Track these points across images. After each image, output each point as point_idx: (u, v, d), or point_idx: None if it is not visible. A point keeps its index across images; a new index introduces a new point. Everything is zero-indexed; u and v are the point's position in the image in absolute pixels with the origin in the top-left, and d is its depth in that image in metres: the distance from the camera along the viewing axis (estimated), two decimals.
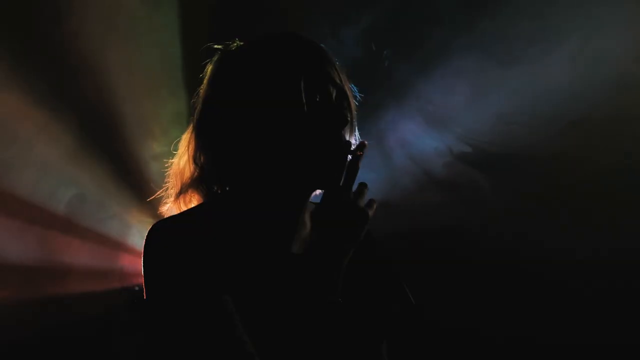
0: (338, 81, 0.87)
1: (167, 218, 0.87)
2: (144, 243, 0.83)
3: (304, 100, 0.83)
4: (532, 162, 2.56)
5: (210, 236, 0.84)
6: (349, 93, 0.90)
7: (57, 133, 2.44)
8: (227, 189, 0.91)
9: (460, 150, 2.63)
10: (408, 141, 2.71)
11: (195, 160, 0.90)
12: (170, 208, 0.96)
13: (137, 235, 2.65)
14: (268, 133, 0.85)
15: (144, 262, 0.83)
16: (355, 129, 0.95)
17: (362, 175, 0.89)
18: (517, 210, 2.57)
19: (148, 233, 0.84)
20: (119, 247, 2.65)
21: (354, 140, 0.96)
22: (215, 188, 0.91)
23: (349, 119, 0.87)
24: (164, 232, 0.82)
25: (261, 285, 0.86)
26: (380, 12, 2.59)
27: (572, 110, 2.40)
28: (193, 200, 0.93)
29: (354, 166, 0.87)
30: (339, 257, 0.96)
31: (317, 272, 0.91)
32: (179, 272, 0.78)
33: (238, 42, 0.94)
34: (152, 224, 0.85)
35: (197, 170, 0.90)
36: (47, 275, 2.46)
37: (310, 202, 1.00)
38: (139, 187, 2.48)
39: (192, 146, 0.91)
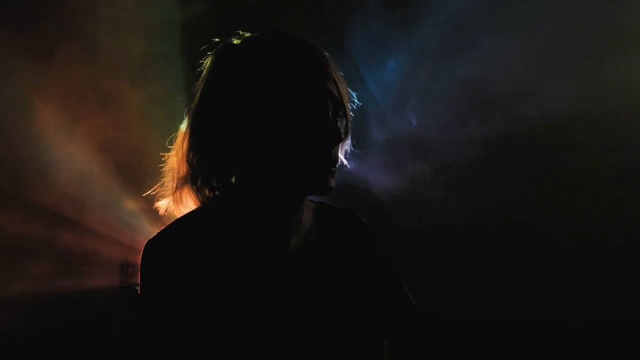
0: (337, 95, 0.86)
1: (160, 236, 0.87)
2: (139, 262, 0.85)
3: (300, 115, 0.83)
4: (547, 152, 2.55)
5: (205, 252, 0.85)
6: (346, 105, 0.89)
7: (60, 132, 2.45)
8: (217, 194, 0.90)
9: (466, 144, 2.62)
10: (409, 138, 2.70)
11: (187, 158, 0.89)
12: (167, 204, 0.96)
13: (137, 231, 2.64)
14: (259, 141, 0.84)
15: (140, 284, 0.85)
16: (348, 139, 0.95)
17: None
18: (529, 204, 2.56)
19: (143, 253, 0.84)
20: (119, 244, 2.65)
21: (347, 146, 0.96)
22: (207, 192, 0.90)
23: (342, 136, 0.87)
24: (159, 255, 0.84)
25: (259, 283, 0.85)
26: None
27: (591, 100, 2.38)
28: (189, 198, 0.93)
29: None
30: (337, 255, 0.95)
31: (314, 269, 0.91)
32: (169, 309, 0.82)
33: (242, 32, 0.92)
34: (147, 242, 0.85)
35: (190, 170, 0.89)
36: (46, 272, 2.46)
37: (310, 200, 1.00)
38: (139, 182, 2.47)
39: (186, 143, 0.90)
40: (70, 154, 2.49)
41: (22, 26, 2.36)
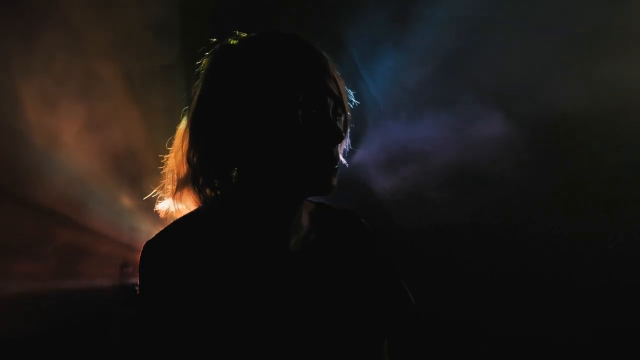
0: (336, 93, 0.86)
1: (159, 236, 0.86)
2: (138, 263, 0.84)
3: (300, 114, 0.83)
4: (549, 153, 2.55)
5: (204, 253, 0.84)
6: (345, 104, 0.89)
7: (58, 131, 2.45)
8: (219, 193, 0.90)
9: (467, 145, 2.62)
10: (409, 138, 2.70)
11: (188, 159, 0.89)
12: (167, 206, 0.95)
13: (137, 231, 2.64)
14: (260, 141, 0.84)
15: (139, 285, 0.84)
16: (347, 137, 0.95)
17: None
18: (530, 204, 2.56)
19: (142, 254, 0.84)
20: (119, 244, 2.65)
21: (345, 145, 0.96)
22: (208, 192, 0.90)
23: (343, 135, 0.87)
24: (158, 256, 0.84)
25: (259, 283, 0.85)
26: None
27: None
28: (189, 199, 0.92)
29: None
30: (337, 255, 0.95)
31: (314, 269, 0.91)
32: (167, 311, 0.81)
33: (239, 33, 0.92)
34: (145, 243, 0.85)
35: (191, 170, 0.89)
36: (46, 272, 2.45)
37: (309, 200, 1.00)
38: (139, 181, 2.47)
39: (185, 143, 0.90)
40: (70, 152, 2.49)
41: (12, 13, 2.36)
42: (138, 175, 2.45)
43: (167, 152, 0.96)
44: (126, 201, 2.61)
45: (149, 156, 2.42)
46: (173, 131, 0.95)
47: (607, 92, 2.36)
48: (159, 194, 0.98)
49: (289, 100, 0.82)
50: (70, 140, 2.48)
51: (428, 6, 2.56)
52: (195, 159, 0.88)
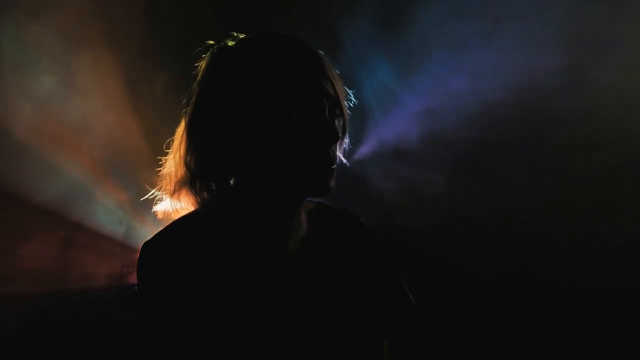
0: (333, 94, 0.85)
1: (157, 237, 0.86)
2: (137, 263, 0.84)
3: (296, 115, 0.82)
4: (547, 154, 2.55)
5: (202, 254, 0.84)
6: (342, 103, 0.89)
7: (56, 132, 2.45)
8: (216, 195, 0.90)
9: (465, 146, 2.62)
10: (409, 138, 2.70)
11: (185, 162, 0.89)
12: (165, 207, 0.95)
13: (136, 232, 2.64)
14: (256, 143, 0.84)
15: (137, 285, 0.84)
16: (346, 137, 0.94)
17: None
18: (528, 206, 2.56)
19: (140, 255, 0.84)
20: (119, 244, 2.65)
21: (345, 144, 0.95)
22: (206, 195, 0.90)
23: (339, 135, 0.86)
24: (155, 257, 0.84)
25: (258, 284, 0.85)
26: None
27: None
28: (187, 201, 0.92)
29: None
30: (336, 256, 0.95)
31: (313, 270, 0.91)
32: (166, 313, 0.81)
33: (236, 34, 0.92)
34: (144, 243, 0.85)
35: (188, 173, 0.89)
36: (47, 272, 2.46)
37: (309, 200, 0.99)
38: (139, 182, 2.47)
39: (183, 146, 0.90)
40: (69, 152, 2.49)
41: None
42: (138, 176, 2.45)
43: (166, 154, 0.96)
44: (126, 201, 2.61)
45: (149, 157, 2.42)
46: (172, 132, 0.95)
47: (607, 94, 2.36)
48: (157, 195, 0.97)
49: (285, 102, 0.82)
50: (70, 141, 2.48)
51: (425, 10, 2.57)
52: (192, 162, 0.88)
